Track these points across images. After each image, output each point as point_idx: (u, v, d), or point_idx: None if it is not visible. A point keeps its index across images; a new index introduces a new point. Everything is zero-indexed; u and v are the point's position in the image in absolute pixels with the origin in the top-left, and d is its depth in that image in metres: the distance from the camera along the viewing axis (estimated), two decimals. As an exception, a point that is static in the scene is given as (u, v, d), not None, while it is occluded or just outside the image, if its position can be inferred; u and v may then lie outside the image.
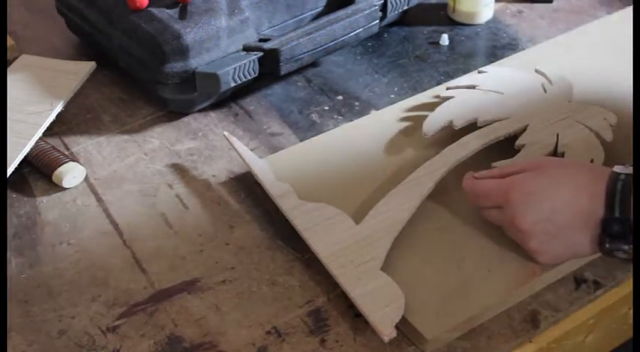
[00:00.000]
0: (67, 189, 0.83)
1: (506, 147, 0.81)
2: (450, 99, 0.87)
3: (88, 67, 0.93)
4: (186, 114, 0.92)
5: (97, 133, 0.90)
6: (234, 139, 0.84)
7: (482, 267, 0.72)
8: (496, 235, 0.74)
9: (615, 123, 0.83)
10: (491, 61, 0.98)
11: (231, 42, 0.89)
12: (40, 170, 0.84)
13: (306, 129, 0.89)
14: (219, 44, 0.88)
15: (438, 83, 0.95)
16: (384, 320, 0.66)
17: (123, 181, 0.84)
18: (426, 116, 0.85)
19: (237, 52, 0.90)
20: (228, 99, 0.93)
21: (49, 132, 0.87)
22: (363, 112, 0.91)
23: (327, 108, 0.93)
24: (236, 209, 0.80)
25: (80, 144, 0.89)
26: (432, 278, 0.71)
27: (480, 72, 0.92)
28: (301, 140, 0.87)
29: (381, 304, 0.67)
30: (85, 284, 0.73)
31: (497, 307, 0.69)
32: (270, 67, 0.90)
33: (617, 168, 0.66)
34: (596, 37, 1.00)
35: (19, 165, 0.82)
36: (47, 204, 0.81)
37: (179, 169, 0.85)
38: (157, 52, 0.87)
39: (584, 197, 0.66)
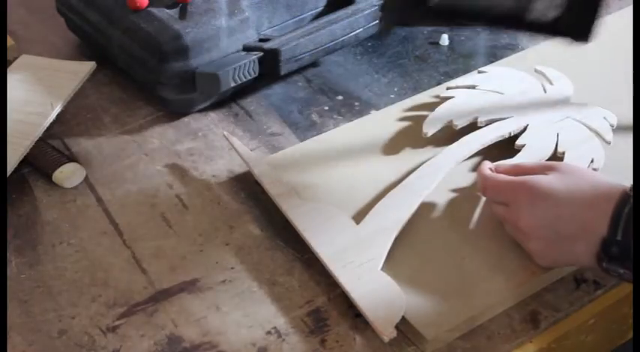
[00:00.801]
0: (67, 189, 0.83)
1: (506, 147, 0.81)
2: (450, 99, 0.87)
3: (88, 67, 0.93)
4: (186, 114, 0.92)
5: (97, 133, 0.90)
6: (234, 139, 0.84)
7: (482, 267, 0.72)
8: (496, 235, 0.74)
9: (615, 123, 0.83)
10: (491, 61, 0.98)
11: (231, 42, 0.89)
12: (40, 170, 0.84)
13: (306, 129, 0.89)
14: (219, 44, 0.88)
15: (438, 83, 0.95)
16: (384, 321, 0.66)
17: (123, 181, 0.84)
18: (426, 116, 0.85)
19: (237, 52, 0.90)
20: (228, 99, 0.93)
21: (49, 132, 0.87)
22: (363, 112, 0.91)
23: (327, 108, 0.93)
24: (236, 209, 0.80)
25: (80, 144, 0.89)
26: (432, 278, 0.71)
27: (480, 72, 0.92)
28: (301, 140, 0.87)
29: (381, 304, 0.67)
30: (85, 284, 0.73)
31: (497, 307, 0.69)
32: (270, 67, 0.90)
33: (629, 190, 0.64)
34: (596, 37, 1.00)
35: (19, 165, 0.82)
36: (47, 204, 0.81)
37: (179, 169, 0.85)
38: (157, 52, 0.87)
39: (591, 212, 0.65)
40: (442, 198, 0.78)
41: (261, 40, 0.91)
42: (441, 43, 1.02)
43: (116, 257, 0.75)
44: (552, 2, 0.67)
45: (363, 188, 0.79)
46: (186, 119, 0.92)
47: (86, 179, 0.84)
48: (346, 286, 0.69)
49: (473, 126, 0.83)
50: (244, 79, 0.89)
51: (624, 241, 0.62)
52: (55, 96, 0.89)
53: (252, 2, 0.92)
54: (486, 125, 0.83)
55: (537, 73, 0.90)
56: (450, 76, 0.96)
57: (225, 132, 0.86)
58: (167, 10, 0.89)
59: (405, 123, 0.87)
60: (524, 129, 0.82)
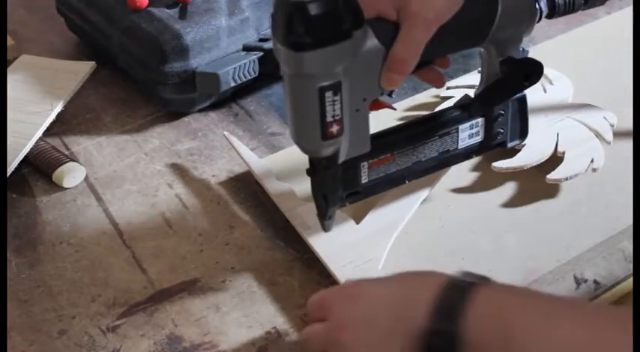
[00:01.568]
0: (67, 189, 0.83)
1: (506, 147, 0.81)
2: (450, 99, 0.87)
3: (87, 67, 0.93)
4: (186, 114, 0.92)
5: (97, 133, 0.90)
6: (234, 139, 0.84)
7: (482, 267, 0.72)
8: (496, 235, 0.74)
9: (615, 123, 0.83)
10: (492, 61, 0.97)
11: (231, 42, 0.89)
12: (40, 170, 0.84)
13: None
14: (219, 44, 0.88)
15: (438, 83, 0.95)
16: (384, 320, 0.65)
17: (123, 181, 0.84)
18: (426, 116, 0.85)
19: (237, 51, 0.90)
20: (228, 99, 0.93)
21: (49, 132, 0.87)
22: (363, 112, 0.91)
23: (327, 108, 0.93)
24: (236, 209, 0.80)
25: (80, 144, 0.89)
26: (432, 278, 0.70)
27: (480, 72, 0.92)
28: (301, 140, 0.87)
29: (381, 304, 0.67)
30: (85, 284, 0.73)
31: (497, 307, 0.69)
32: (270, 67, 0.90)
33: (454, 277, 0.55)
34: (596, 37, 1.00)
35: (19, 165, 0.82)
36: (47, 204, 0.81)
37: (179, 169, 0.85)
38: (157, 52, 0.87)
39: (407, 300, 0.55)
40: (442, 198, 0.78)
41: (261, 40, 0.91)
42: (441, 42, 1.02)
43: (116, 257, 0.75)
44: None
45: (363, 188, 0.79)
46: (186, 119, 0.92)
47: (86, 179, 0.84)
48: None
49: (473, 126, 0.83)
50: (244, 79, 0.89)
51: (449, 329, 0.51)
52: (55, 96, 0.89)
53: (252, 2, 0.92)
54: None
55: (537, 72, 0.90)
56: (450, 76, 0.96)
57: (225, 132, 0.86)
58: (167, 10, 0.89)
59: (405, 123, 0.87)
60: (524, 129, 0.82)
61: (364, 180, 0.70)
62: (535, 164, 0.78)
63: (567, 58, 0.95)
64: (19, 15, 1.10)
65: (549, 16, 0.72)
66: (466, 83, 0.90)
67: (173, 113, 0.92)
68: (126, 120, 0.92)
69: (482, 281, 0.55)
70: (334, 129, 0.62)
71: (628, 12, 1.05)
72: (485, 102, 0.72)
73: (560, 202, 0.78)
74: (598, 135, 0.81)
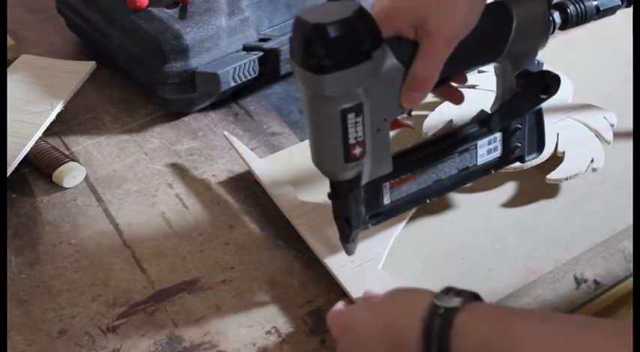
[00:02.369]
0: (67, 188, 0.83)
1: (507, 147, 0.81)
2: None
3: (87, 66, 0.93)
4: (186, 114, 0.92)
5: (97, 133, 0.90)
6: (234, 139, 0.84)
7: (482, 267, 0.72)
8: (496, 235, 0.74)
9: (615, 123, 0.83)
10: (492, 61, 0.97)
11: (231, 42, 0.89)
12: (40, 170, 0.84)
13: (306, 129, 0.89)
14: (219, 44, 0.88)
15: (438, 83, 0.95)
16: (384, 320, 0.65)
17: (123, 181, 0.84)
18: (426, 116, 0.85)
19: (238, 51, 0.90)
20: (228, 99, 0.93)
21: (49, 132, 0.87)
22: (363, 112, 0.91)
23: (327, 108, 0.93)
24: (236, 209, 0.80)
25: (80, 144, 0.89)
26: (432, 278, 0.70)
27: (480, 72, 0.92)
28: (301, 140, 0.87)
29: (381, 304, 0.67)
30: (85, 284, 0.73)
31: (497, 307, 0.69)
32: (270, 67, 0.90)
33: (438, 300, 0.56)
34: (596, 36, 1.00)
35: (19, 165, 0.82)
36: (47, 204, 0.81)
37: (179, 169, 0.85)
38: (157, 51, 0.87)
39: (395, 329, 0.57)
40: (442, 198, 0.78)
41: (261, 40, 0.91)
42: (441, 42, 1.02)
43: (116, 257, 0.75)
44: None
45: (363, 188, 0.79)
46: (186, 119, 0.92)
47: (86, 179, 0.84)
48: (346, 286, 0.69)
49: (473, 126, 0.83)
50: (244, 79, 0.89)
51: None
52: (55, 96, 0.89)
53: (252, 2, 0.92)
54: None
55: (537, 72, 0.90)
56: (450, 75, 0.96)
57: (225, 132, 0.86)
58: (167, 10, 0.89)
59: (405, 123, 0.87)
60: (525, 129, 0.82)
61: (386, 200, 0.70)
62: (535, 164, 0.78)
63: (567, 58, 0.95)
64: (19, 15, 1.10)
65: (562, 28, 0.72)
66: (467, 83, 0.89)
67: (173, 113, 0.92)
68: (126, 120, 0.92)
69: (465, 298, 0.56)
70: (357, 151, 0.61)
71: (628, 12, 1.04)
72: (504, 117, 0.71)
73: (560, 202, 0.78)
74: (598, 135, 0.81)
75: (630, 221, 0.75)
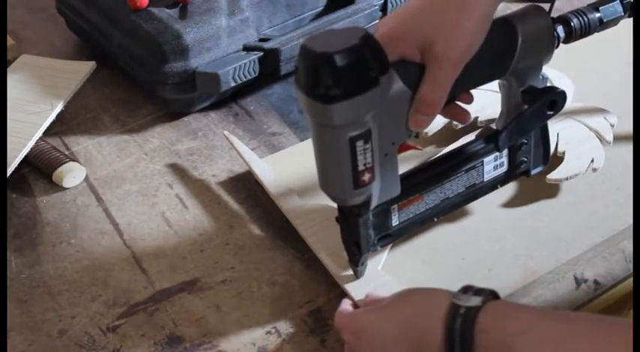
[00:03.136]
0: (67, 189, 0.83)
1: (507, 147, 0.81)
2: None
3: (88, 66, 0.93)
4: (186, 114, 0.92)
5: (97, 133, 0.90)
6: (234, 139, 0.84)
7: (482, 267, 0.72)
8: (496, 235, 0.74)
9: (615, 123, 0.83)
10: (492, 61, 0.97)
11: (231, 42, 0.89)
12: (40, 170, 0.84)
13: (306, 129, 0.89)
14: (219, 44, 0.88)
15: (438, 83, 0.95)
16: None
17: (123, 181, 0.84)
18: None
19: (238, 51, 0.90)
20: (228, 99, 0.93)
21: (49, 132, 0.87)
22: (363, 112, 0.91)
23: (327, 108, 0.93)
24: (236, 209, 0.80)
25: (80, 144, 0.89)
26: (432, 278, 0.71)
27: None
28: (301, 140, 0.87)
29: (381, 304, 0.67)
30: (85, 284, 0.73)
31: (497, 307, 0.69)
32: (270, 67, 0.90)
33: (457, 300, 0.56)
34: (596, 36, 1.00)
35: (19, 165, 0.82)
36: (47, 204, 0.81)
37: (179, 169, 0.85)
38: (157, 51, 0.87)
39: (416, 332, 0.58)
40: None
41: (261, 40, 0.91)
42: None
43: (116, 257, 0.75)
44: None
45: (363, 188, 0.79)
46: (186, 119, 0.92)
47: (86, 179, 0.84)
48: (346, 286, 0.69)
49: (473, 126, 0.83)
50: (244, 79, 0.89)
51: None
52: (55, 96, 0.89)
53: (252, 2, 0.92)
54: (486, 125, 0.83)
55: (537, 72, 0.90)
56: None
57: (225, 132, 0.86)
58: (167, 10, 0.89)
59: (405, 123, 0.87)
60: (525, 129, 0.82)
61: (395, 222, 0.70)
62: (535, 164, 0.78)
63: (567, 58, 0.95)
64: (19, 15, 1.10)
65: (566, 42, 0.71)
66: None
67: (173, 113, 0.92)
68: (126, 120, 0.92)
69: (484, 296, 0.56)
70: (366, 177, 0.60)
71: (628, 12, 1.04)
72: (511, 135, 0.71)
73: (560, 202, 0.78)
74: (598, 135, 0.81)
75: (630, 221, 0.75)
